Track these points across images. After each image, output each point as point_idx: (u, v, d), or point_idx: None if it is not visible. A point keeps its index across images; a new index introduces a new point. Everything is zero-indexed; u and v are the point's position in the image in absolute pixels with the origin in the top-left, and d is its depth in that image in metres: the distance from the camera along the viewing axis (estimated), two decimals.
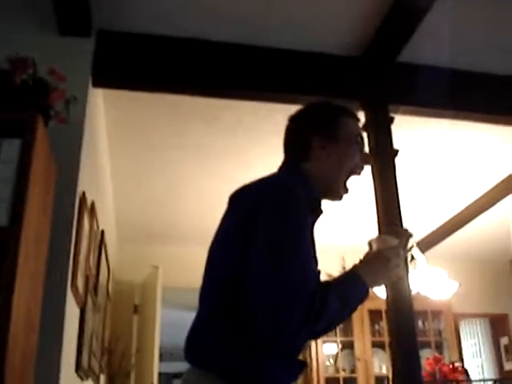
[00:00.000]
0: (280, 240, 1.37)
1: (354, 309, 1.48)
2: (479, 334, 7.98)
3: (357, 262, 1.57)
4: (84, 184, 3.00)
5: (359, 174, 1.71)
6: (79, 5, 2.89)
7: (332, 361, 6.62)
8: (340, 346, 6.61)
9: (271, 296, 1.31)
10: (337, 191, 1.68)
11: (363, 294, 1.47)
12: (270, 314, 1.31)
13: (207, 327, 1.45)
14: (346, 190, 1.70)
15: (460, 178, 5.18)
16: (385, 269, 1.51)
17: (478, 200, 5.55)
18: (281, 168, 1.70)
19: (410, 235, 1.66)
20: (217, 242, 1.56)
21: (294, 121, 1.75)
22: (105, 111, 3.88)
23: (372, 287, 1.49)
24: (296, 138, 1.71)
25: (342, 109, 1.74)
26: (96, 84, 3.21)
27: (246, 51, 3.39)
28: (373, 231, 3.24)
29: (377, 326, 6.73)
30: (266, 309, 1.32)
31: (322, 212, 1.65)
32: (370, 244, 1.60)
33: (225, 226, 1.55)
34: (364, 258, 1.56)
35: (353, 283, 1.46)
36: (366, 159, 1.73)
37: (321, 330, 1.41)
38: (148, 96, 3.61)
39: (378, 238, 1.59)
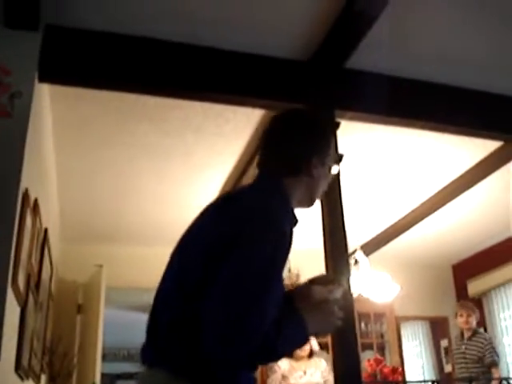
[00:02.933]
0: (252, 276, 1.36)
1: None
2: (420, 336, 8.17)
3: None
4: (27, 180, 2.94)
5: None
6: None
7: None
8: None
9: (222, 328, 1.31)
10: (312, 203, 1.74)
11: (304, 343, 1.53)
12: (216, 346, 1.32)
13: (173, 331, 1.41)
14: (313, 203, 1.76)
15: (404, 183, 5.29)
16: (328, 323, 1.54)
17: (421, 205, 5.67)
18: (261, 178, 1.67)
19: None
20: (191, 245, 1.53)
21: (290, 134, 1.71)
22: (51, 107, 3.81)
23: (311, 335, 1.52)
24: (293, 152, 1.67)
25: (329, 129, 1.80)
26: (42, 79, 3.14)
27: (195, 51, 3.38)
28: (318, 235, 3.31)
29: None
30: (215, 337, 1.32)
31: (297, 222, 1.65)
32: (311, 284, 1.65)
33: (202, 233, 1.51)
34: (305, 302, 1.58)
35: (300, 334, 1.47)
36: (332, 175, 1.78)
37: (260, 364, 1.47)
38: (95, 93, 3.56)
39: (324, 287, 1.60)
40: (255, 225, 1.41)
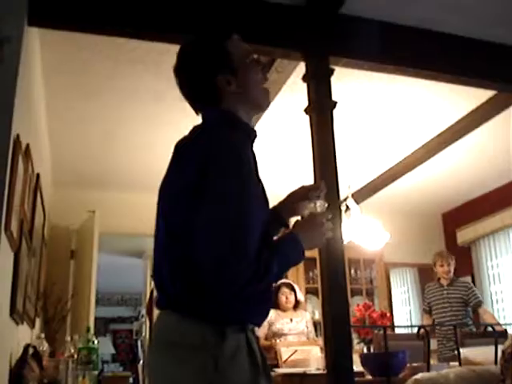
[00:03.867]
0: (228, 196, 1.41)
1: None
2: (409, 283, 8.30)
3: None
4: (18, 126, 2.92)
5: (266, 79, 1.78)
6: None
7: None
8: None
9: (218, 253, 1.36)
10: (260, 106, 1.77)
11: (300, 258, 1.55)
12: (215, 271, 1.37)
13: (175, 276, 1.46)
14: (267, 98, 1.77)
15: (396, 132, 5.30)
16: (319, 234, 1.58)
17: (412, 154, 5.70)
18: (205, 117, 1.70)
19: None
20: (167, 191, 1.57)
21: (184, 71, 1.73)
22: (41, 53, 3.76)
23: (307, 249, 1.56)
24: (199, 86, 1.70)
25: (221, 36, 1.74)
26: (32, 23, 3.08)
27: None
28: (308, 177, 3.33)
29: (311, 274, 6.91)
30: (213, 264, 1.36)
31: (256, 135, 1.71)
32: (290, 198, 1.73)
33: (174, 180, 1.55)
34: (298, 221, 1.62)
35: (293, 249, 1.52)
36: (264, 71, 1.77)
37: (261, 288, 1.47)
38: (86, 38, 3.51)
39: (310, 203, 1.66)
40: (217, 162, 1.45)
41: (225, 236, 1.37)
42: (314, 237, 1.58)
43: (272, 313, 5.39)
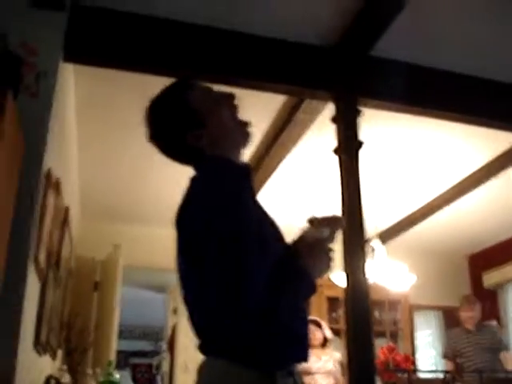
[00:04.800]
0: (226, 260, 1.37)
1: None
2: (433, 326, 8.17)
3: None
4: (50, 160, 2.98)
5: (242, 119, 1.71)
6: None
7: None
8: None
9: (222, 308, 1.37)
10: (241, 143, 1.69)
11: (311, 291, 1.50)
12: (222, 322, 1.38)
13: (200, 322, 1.47)
14: (248, 134, 1.70)
15: (423, 173, 5.29)
16: (326, 260, 1.54)
17: (439, 196, 5.67)
18: (195, 175, 1.64)
19: (343, 224, 1.71)
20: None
21: (155, 139, 1.73)
22: (75, 87, 3.85)
23: (315, 278, 1.51)
24: (175, 150, 1.70)
25: (178, 89, 1.70)
26: (67, 59, 3.16)
27: (220, 35, 3.38)
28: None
29: (334, 314, 6.84)
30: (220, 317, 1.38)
31: (248, 166, 1.68)
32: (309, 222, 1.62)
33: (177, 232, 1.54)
34: (301, 245, 1.56)
35: (303, 283, 1.48)
36: (232, 105, 1.70)
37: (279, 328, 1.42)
38: (118, 74, 3.58)
39: (316, 229, 1.60)
40: (207, 211, 1.42)
41: (228, 283, 1.35)
42: (321, 265, 1.53)
43: None
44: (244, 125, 1.69)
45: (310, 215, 1.63)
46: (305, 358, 1.52)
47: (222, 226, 1.38)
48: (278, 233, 1.62)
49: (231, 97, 1.71)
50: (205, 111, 1.64)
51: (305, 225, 1.65)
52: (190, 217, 1.47)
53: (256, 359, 1.38)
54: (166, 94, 1.74)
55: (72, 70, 3.58)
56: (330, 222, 1.59)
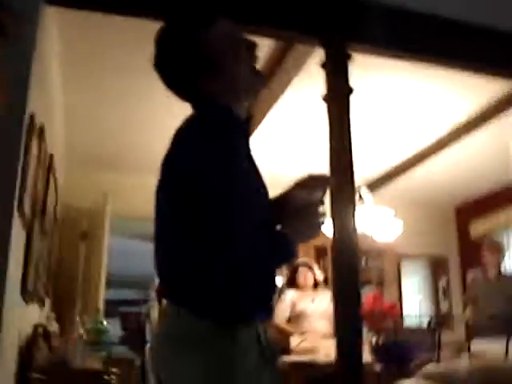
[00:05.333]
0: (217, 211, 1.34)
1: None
2: (420, 275, 8.27)
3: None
4: (33, 106, 2.91)
5: (260, 70, 1.64)
6: None
7: (278, 295, 6.76)
8: (284, 282, 6.74)
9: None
10: (251, 92, 1.63)
11: (291, 258, 1.47)
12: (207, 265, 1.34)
13: (171, 270, 1.45)
14: (259, 82, 1.66)
15: (412, 123, 5.26)
16: (313, 224, 1.49)
17: (428, 146, 5.66)
18: (194, 115, 1.56)
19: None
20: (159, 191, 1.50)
21: (162, 71, 1.62)
22: (59, 31, 3.73)
23: (301, 242, 1.47)
24: (181, 89, 1.61)
25: (198, 27, 1.58)
26: (49, 1, 3.07)
27: None
28: (323, 165, 3.30)
29: (322, 263, 6.88)
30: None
31: (250, 126, 1.63)
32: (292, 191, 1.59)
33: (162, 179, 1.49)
34: (289, 208, 1.53)
35: (283, 250, 1.44)
36: (253, 54, 1.62)
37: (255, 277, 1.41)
38: (106, 19, 3.46)
39: (304, 188, 1.56)
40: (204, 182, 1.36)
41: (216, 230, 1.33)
42: (308, 231, 1.49)
43: (293, 292, 5.37)
44: (261, 77, 1.64)
45: (299, 176, 1.59)
46: (267, 318, 1.52)
47: (215, 174, 1.35)
48: (266, 189, 1.57)
49: (253, 46, 1.62)
50: (222, 56, 1.55)
51: (293, 184, 1.61)
52: (182, 155, 1.42)
53: (219, 313, 1.37)
54: (180, 30, 1.60)
55: (56, 13, 3.46)
56: (319, 183, 1.56)
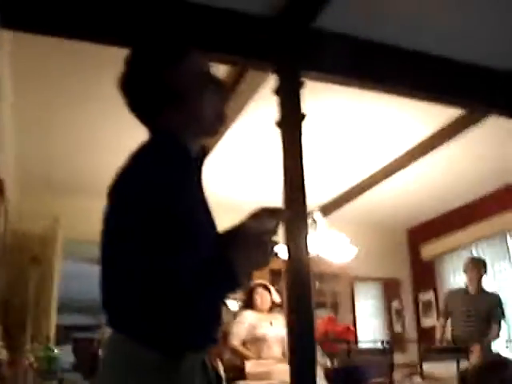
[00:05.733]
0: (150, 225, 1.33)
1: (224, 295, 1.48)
2: (373, 297, 8.35)
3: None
4: None
5: (224, 111, 1.61)
6: None
7: (233, 318, 6.72)
8: (240, 304, 6.71)
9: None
10: (207, 133, 1.61)
11: (235, 286, 1.43)
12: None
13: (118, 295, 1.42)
14: (219, 128, 1.61)
15: (364, 147, 5.35)
16: (260, 254, 1.44)
17: (379, 169, 5.76)
18: (147, 141, 1.56)
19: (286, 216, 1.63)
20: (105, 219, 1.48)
21: (129, 96, 1.61)
22: (11, 53, 3.70)
23: (246, 272, 1.44)
24: (143, 115, 1.61)
25: (167, 59, 1.57)
26: (4, 25, 3.04)
27: (161, 3, 3.31)
28: (276, 189, 3.33)
29: (277, 287, 6.88)
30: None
31: (202, 162, 1.59)
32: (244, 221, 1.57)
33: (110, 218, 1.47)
34: (239, 236, 1.50)
35: (228, 279, 1.40)
36: (221, 93, 1.61)
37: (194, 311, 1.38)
38: (56, 41, 3.46)
39: (257, 219, 1.53)
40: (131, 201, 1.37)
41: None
42: (256, 260, 1.43)
43: (251, 315, 5.31)
44: (221, 119, 1.60)
45: (253, 208, 1.57)
46: (213, 344, 1.50)
47: (158, 201, 1.34)
48: (212, 220, 1.56)
49: (222, 87, 1.62)
50: (187, 92, 1.54)
51: (247, 216, 1.59)
52: (132, 181, 1.41)
53: (164, 342, 1.35)
54: (151, 56, 1.60)
55: (8, 36, 3.44)
56: (273, 214, 1.54)
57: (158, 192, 1.35)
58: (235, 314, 5.58)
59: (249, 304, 5.47)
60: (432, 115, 4.65)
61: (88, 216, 6.11)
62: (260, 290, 5.44)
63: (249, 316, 5.29)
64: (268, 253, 1.46)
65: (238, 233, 1.56)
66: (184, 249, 1.34)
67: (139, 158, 1.46)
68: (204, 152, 1.63)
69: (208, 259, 1.39)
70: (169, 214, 1.34)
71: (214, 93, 1.59)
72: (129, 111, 1.62)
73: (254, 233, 1.48)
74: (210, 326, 1.49)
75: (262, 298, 5.38)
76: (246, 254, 1.42)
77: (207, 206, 1.56)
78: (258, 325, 5.19)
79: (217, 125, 1.61)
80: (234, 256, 1.40)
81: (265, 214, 1.54)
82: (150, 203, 1.34)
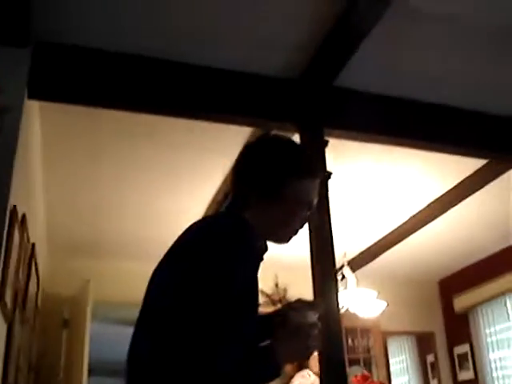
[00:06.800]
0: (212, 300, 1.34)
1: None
2: (407, 352, 8.18)
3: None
4: (15, 197, 2.94)
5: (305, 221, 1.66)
6: (18, 15, 2.84)
7: None
8: None
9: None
10: (278, 242, 1.66)
11: (273, 374, 1.42)
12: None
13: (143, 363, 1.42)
14: (287, 239, 1.67)
15: (391, 199, 5.33)
16: (304, 347, 1.46)
17: (407, 222, 5.72)
18: (221, 215, 1.66)
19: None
20: (158, 276, 1.52)
21: (240, 168, 1.69)
22: (40, 122, 3.82)
23: (287, 363, 1.45)
24: (238, 186, 1.67)
25: (294, 170, 1.62)
26: (32, 95, 3.15)
27: (183, 69, 3.40)
28: (306, 250, 3.33)
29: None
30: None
31: (266, 250, 1.63)
32: (285, 312, 1.58)
33: (167, 267, 1.51)
34: (280, 328, 1.50)
35: (266, 369, 1.41)
36: (309, 217, 1.66)
37: None
38: (84, 109, 3.56)
39: (298, 312, 1.55)
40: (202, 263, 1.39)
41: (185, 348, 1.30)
42: (298, 351, 1.45)
43: (314, 377, 5.47)
44: (294, 234, 1.65)
45: (290, 301, 1.63)
46: None
47: (220, 284, 1.36)
48: (257, 310, 1.58)
49: (310, 209, 1.65)
50: (286, 198, 1.59)
51: (284, 307, 1.65)
52: (207, 252, 1.42)
53: None
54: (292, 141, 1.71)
55: (38, 104, 3.56)
56: (312, 307, 1.57)
57: (226, 273, 1.37)
58: None
59: (302, 366, 5.60)
60: (454, 167, 4.63)
61: (117, 278, 6.19)
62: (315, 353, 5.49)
63: (310, 376, 5.44)
64: (311, 346, 1.46)
65: (280, 323, 1.55)
66: (228, 332, 1.34)
67: (219, 229, 1.49)
68: (266, 247, 1.65)
69: (251, 347, 1.40)
70: (226, 295, 1.35)
71: (305, 217, 1.64)
72: (236, 183, 1.68)
73: (296, 325, 1.48)
74: None
75: (317, 360, 5.38)
76: (289, 345, 1.43)
77: (257, 289, 1.57)
78: None
79: (288, 238, 1.66)
80: (277, 346, 1.41)
81: (305, 307, 1.56)
82: (216, 284, 1.35)
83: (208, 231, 1.49)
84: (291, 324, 1.49)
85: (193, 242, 1.47)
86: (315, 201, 1.66)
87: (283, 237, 1.65)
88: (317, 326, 1.49)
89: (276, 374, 1.41)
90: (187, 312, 1.33)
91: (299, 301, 1.62)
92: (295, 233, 1.66)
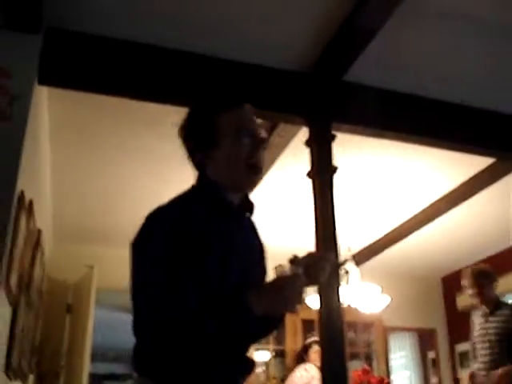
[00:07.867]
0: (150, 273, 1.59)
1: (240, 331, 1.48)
2: (408, 348, 8.19)
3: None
4: (23, 182, 2.96)
5: (257, 163, 1.65)
6: (30, 1, 2.85)
7: (264, 368, 6.69)
8: (273, 354, 6.68)
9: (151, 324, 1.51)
10: (240, 184, 1.67)
11: (246, 324, 1.44)
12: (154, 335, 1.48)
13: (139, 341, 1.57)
14: (253, 179, 1.68)
15: (397, 195, 5.33)
16: (289, 298, 1.45)
17: (413, 218, 5.72)
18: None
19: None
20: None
21: (182, 141, 1.74)
22: (48, 109, 3.83)
23: (268, 313, 1.44)
24: (188, 155, 1.73)
25: (214, 107, 1.70)
26: (42, 81, 3.16)
27: (194, 59, 3.41)
28: (308, 239, 3.34)
29: (310, 335, 6.82)
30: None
31: (243, 210, 1.70)
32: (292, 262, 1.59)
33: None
34: (269, 282, 1.52)
35: (238, 316, 1.43)
36: (256, 146, 1.65)
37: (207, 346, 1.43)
38: (93, 96, 3.57)
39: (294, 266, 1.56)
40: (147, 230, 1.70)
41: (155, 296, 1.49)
42: (281, 302, 1.44)
43: (314, 369, 5.43)
44: (252, 170, 1.64)
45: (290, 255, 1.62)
46: (248, 372, 1.57)
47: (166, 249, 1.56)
48: (247, 266, 1.62)
49: (258, 139, 1.66)
50: (222, 136, 1.63)
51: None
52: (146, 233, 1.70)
53: (180, 381, 1.44)
54: (198, 108, 1.75)
55: (46, 92, 3.57)
56: (309, 260, 1.58)
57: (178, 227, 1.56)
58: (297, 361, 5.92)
59: (304, 360, 5.60)
60: (461, 164, 4.63)
61: (121, 264, 6.21)
62: (316, 347, 5.49)
63: (312, 370, 5.43)
64: (294, 300, 1.46)
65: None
66: (194, 288, 1.44)
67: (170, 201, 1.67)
68: (250, 203, 1.71)
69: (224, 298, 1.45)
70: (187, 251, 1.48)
71: (247, 145, 1.63)
72: (188, 160, 1.74)
73: (277, 277, 1.52)
74: (230, 368, 1.52)
75: (318, 354, 5.39)
76: (269, 295, 1.44)
77: (249, 252, 1.65)
78: (316, 380, 5.32)
79: (250, 176, 1.65)
80: (256, 292, 1.44)
81: (299, 260, 1.58)
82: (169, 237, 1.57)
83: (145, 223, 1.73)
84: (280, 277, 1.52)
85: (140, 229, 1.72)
86: (252, 127, 1.67)
87: (241, 177, 1.64)
88: (297, 277, 1.50)
89: (247, 322, 1.42)
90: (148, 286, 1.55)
91: (310, 254, 1.64)
92: (251, 168, 1.63)
